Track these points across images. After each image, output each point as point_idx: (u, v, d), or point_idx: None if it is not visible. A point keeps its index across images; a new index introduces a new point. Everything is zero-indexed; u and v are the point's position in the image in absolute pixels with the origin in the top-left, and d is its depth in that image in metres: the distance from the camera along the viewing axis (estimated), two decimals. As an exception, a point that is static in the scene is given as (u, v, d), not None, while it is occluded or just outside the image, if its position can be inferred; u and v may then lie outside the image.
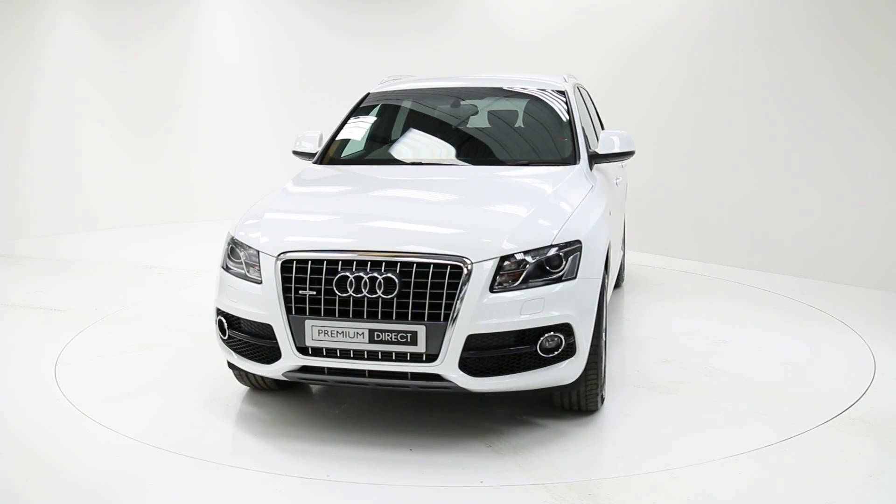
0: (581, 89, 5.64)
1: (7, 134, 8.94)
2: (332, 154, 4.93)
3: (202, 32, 10.54)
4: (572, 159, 4.51)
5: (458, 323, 3.28)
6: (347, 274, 3.36)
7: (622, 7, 8.42)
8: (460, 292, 3.29)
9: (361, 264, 3.37)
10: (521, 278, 3.38)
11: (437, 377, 3.36)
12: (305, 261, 3.46)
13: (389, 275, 3.32)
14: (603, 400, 4.01)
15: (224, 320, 3.76)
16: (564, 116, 4.86)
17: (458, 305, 3.29)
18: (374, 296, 3.33)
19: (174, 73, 10.30)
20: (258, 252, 3.60)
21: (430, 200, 4.11)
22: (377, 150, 5.08)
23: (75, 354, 4.90)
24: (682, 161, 8.05)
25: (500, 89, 5.25)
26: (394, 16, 10.23)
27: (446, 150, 5.01)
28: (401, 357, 3.36)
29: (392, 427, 3.77)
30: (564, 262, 3.47)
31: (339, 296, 3.37)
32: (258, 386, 4.15)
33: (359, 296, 3.34)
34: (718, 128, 7.69)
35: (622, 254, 6.36)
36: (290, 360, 3.50)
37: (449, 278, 3.32)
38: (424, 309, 3.31)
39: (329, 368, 3.47)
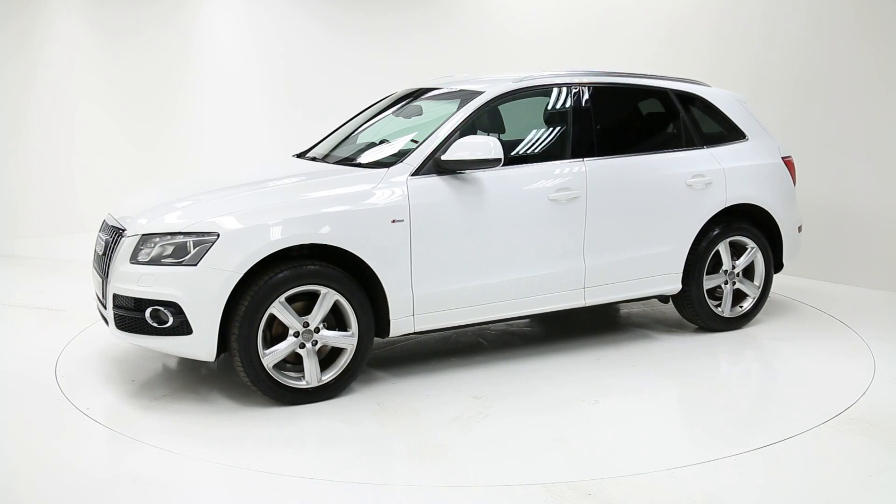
0: (584, 89, 4.87)
1: (6, 134, 8.93)
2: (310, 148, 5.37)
3: (201, 33, 10.54)
4: (390, 164, 4.36)
5: (111, 283, 4.03)
6: (100, 234, 4.34)
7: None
8: (113, 257, 4.05)
9: (114, 229, 4.21)
10: (151, 255, 3.92)
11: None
12: (102, 222, 4.45)
13: (108, 237, 4.19)
14: (287, 397, 4.02)
15: None
16: (441, 120, 4.60)
17: (110, 267, 4.05)
18: (102, 254, 4.22)
19: (174, 73, 10.29)
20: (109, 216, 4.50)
21: (221, 189, 4.38)
22: (316, 147, 5.33)
23: (75, 354, 4.90)
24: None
25: (445, 90, 5.11)
26: (402, 12, 10.17)
27: (343, 150, 5.04)
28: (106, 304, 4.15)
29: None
30: (191, 249, 3.86)
31: (96, 252, 4.35)
32: None
33: (99, 253, 4.28)
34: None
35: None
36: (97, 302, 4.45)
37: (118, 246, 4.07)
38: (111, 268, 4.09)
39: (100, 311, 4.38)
